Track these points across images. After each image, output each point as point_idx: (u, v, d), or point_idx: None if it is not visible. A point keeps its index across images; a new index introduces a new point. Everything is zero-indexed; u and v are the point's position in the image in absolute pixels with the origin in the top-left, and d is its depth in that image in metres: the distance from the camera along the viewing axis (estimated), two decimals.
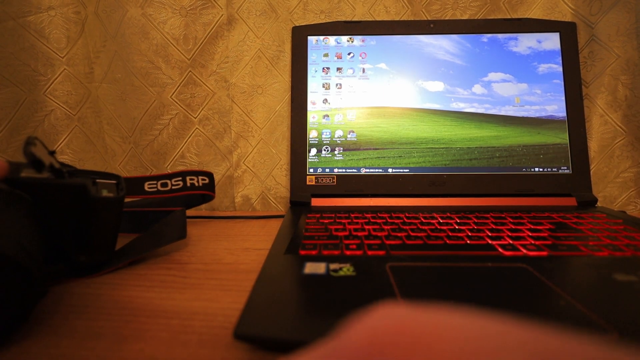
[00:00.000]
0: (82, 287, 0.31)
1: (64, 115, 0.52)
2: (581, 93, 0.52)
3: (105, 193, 0.32)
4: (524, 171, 0.51)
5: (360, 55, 0.54)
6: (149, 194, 0.41)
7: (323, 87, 0.54)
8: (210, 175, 0.46)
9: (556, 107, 0.52)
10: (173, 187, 0.42)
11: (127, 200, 0.39)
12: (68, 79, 0.52)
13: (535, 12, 0.55)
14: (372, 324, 0.11)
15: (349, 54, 0.54)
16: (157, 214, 0.41)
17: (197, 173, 0.45)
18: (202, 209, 0.58)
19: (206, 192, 0.45)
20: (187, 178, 0.43)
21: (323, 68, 0.54)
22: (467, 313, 0.10)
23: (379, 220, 0.42)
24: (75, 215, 0.30)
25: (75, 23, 0.52)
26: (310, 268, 0.29)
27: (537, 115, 0.52)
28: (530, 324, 0.10)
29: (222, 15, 0.55)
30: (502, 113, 0.52)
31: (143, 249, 0.35)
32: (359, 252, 0.33)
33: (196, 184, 0.44)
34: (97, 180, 0.33)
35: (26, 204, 0.27)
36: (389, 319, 0.11)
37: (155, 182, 0.42)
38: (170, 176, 0.43)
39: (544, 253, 0.32)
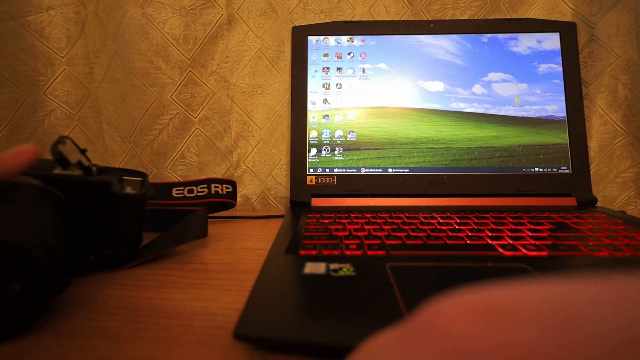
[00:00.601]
0: (82, 287, 0.31)
1: (64, 115, 0.52)
2: (581, 93, 0.52)
3: (128, 190, 0.34)
4: (524, 171, 0.51)
5: (360, 55, 0.54)
6: (176, 199, 0.43)
7: (323, 87, 0.54)
8: (233, 183, 0.48)
9: (556, 107, 0.52)
10: (198, 194, 0.44)
11: (157, 203, 0.41)
12: (68, 79, 0.52)
13: (535, 12, 0.55)
14: (459, 300, 0.10)
15: (349, 54, 0.54)
16: (180, 213, 0.43)
17: (222, 181, 0.47)
18: None
19: (228, 200, 0.46)
20: (212, 185, 0.46)
21: (323, 68, 0.54)
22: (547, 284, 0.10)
23: (379, 220, 0.42)
24: (100, 211, 0.32)
25: (75, 23, 0.52)
26: (310, 268, 0.29)
27: (537, 115, 0.52)
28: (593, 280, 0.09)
29: (222, 15, 0.55)
30: (502, 113, 0.52)
31: (166, 245, 0.37)
32: (359, 252, 0.33)
33: (220, 192, 0.46)
34: (124, 178, 0.35)
35: (56, 199, 0.30)
36: (472, 295, 0.10)
37: (182, 188, 0.44)
38: (196, 183, 0.45)
39: (544, 253, 0.32)
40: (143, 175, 0.37)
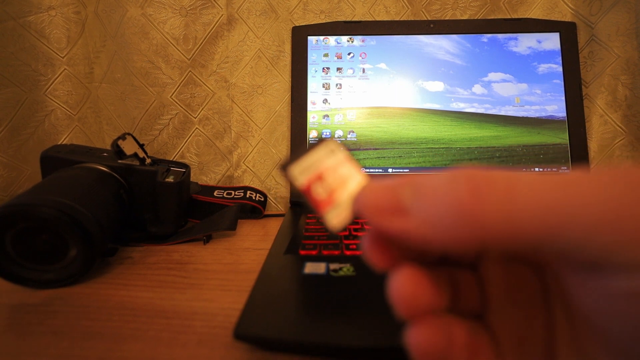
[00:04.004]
0: (82, 287, 0.32)
1: (64, 115, 0.52)
2: (581, 93, 0.52)
3: (169, 179, 0.41)
4: (524, 171, 0.51)
5: (360, 56, 0.54)
6: (216, 198, 0.51)
7: (323, 87, 0.54)
8: (265, 195, 0.55)
9: (556, 107, 0.52)
10: (235, 197, 0.52)
11: (200, 198, 0.49)
12: (68, 79, 0.52)
13: (535, 12, 0.55)
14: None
15: (349, 54, 0.54)
16: (220, 208, 0.50)
17: (257, 190, 0.54)
18: None
19: (258, 205, 0.53)
20: (248, 192, 0.53)
21: (323, 68, 0.54)
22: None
23: None
24: (148, 194, 0.40)
25: (76, 23, 0.52)
26: (310, 268, 0.29)
27: (537, 115, 0.52)
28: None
29: (222, 15, 0.55)
30: (502, 113, 0.52)
31: (199, 231, 0.43)
32: (359, 252, 0.33)
33: (253, 198, 0.53)
34: (171, 168, 0.43)
35: (115, 182, 0.38)
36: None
37: (222, 191, 0.53)
38: (235, 188, 0.54)
39: None
40: (186, 167, 0.45)
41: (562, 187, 0.11)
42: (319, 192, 0.14)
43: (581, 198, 0.11)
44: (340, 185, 0.15)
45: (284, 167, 0.15)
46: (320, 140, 0.15)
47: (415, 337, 0.14)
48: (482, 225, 0.11)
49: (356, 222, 0.41)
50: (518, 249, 0.12)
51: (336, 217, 0.14)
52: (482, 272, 0.16)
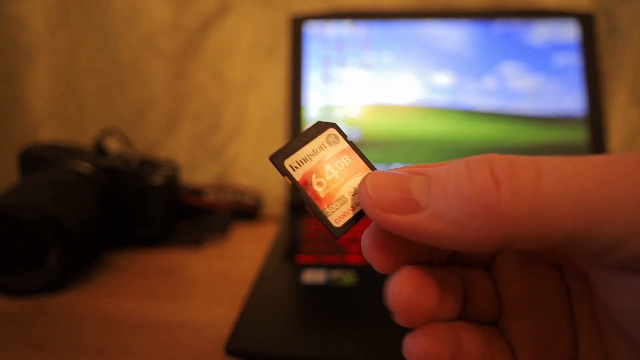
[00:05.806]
0: (63, 296, 0.31)
1: (46, 109, 0.52)
2: (600, 87, 0.52)
3: (155, 181, 0.41)
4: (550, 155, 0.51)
5: (363, 47, 0.54)
6: (207, 200, 0.51)
7: (323, 80, 0.54)
8: (260, 197, 0.56)
9: (574, 103, 0.51)
10: (227, 198, 0.53)
11: (190, 200, 0.50)
12: (50, 72, 0.52)
13: (551, 0, 0.54)
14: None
15: (351, 45, 0.54)
16: (210, 211, 0.51)
17: (251, 191, 0.55)
18: None
19: (252, 208, 0.54)
20: (242, 193, 0.54)
21: (323, 60, 0.54)
22: None
23: None
24: (134, 196, 0.41)
25: (58, 12, 0.52)
26: (309, 276, 0.29)
27: (552, 111, 0.52)
28: None
29: (214, 3, 0.54)
30: (515, 109, 0.52)
31: (190, 235, 0.44)
32: (362, 258, 0.32)
33: (247, 200, 0.54)
34: (158, 170, 0.43)
35: (100, 184, 0.38)
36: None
37: (214, 192, 0.53)
38: (228, 189, 0.54)
39: None
40: (175, 166, 0.46)
41: (602, 169, 0.10)
42: (316, 188, 0.13)
43: (625, 181, 0.10)
44: (342, 180, 0.14)
45: (275, 158, 0.14)
46: (318, 123, 0.14)
47: (414, 347, 0.13)
48: (510, 217, 0.10)
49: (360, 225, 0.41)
50: (547, 244, 0.11)
51: (338, 218, 0.14)
52: (496, 272, 0.16)
